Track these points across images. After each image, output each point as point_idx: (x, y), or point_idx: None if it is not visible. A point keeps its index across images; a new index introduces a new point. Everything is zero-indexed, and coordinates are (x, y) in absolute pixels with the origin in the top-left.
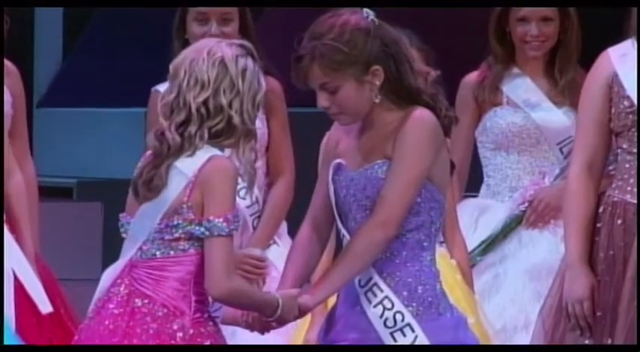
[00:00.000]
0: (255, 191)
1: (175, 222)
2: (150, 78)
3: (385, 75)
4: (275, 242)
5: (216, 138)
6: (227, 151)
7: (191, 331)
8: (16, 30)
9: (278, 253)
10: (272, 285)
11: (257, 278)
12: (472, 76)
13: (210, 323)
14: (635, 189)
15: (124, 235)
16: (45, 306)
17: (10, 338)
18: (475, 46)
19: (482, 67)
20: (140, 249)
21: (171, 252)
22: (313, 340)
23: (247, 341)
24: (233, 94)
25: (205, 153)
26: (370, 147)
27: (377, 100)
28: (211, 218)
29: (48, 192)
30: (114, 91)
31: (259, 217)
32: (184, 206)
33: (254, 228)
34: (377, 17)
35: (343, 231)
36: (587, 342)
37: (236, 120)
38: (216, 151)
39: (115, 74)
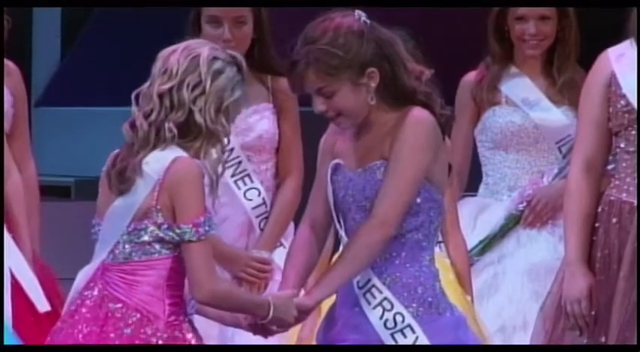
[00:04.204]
0: (263, 192)
1: (144, 226)
2: (148, 77)
3: (380, 76)
4: (282, 244)
5: (182, 138)
6: None
7: (165, 335)
8: (14, 29)
9: (284, 255)
10: (275, 289)
11: (260, 281)
12: (470, 76)
13: (186, 325)
14: (632, 188)
15: (94, 237)
16: (42, 305)
17: (10, 339)
18: (474, 46)
19: (480, 67)
20: (112, 252)
21: (143, 256)
22: (305, 338)
23: (243, 342)
24: (198, 92)
25: (170, 153)
26: (367, 147)
27: (373, 102)
28: (181, 225)
29: (46, 192)
30: (112, 90)
31: (266, 218)
32: (153, 209)
33: (261, 230)
34: (376, 17)
35: (341, 232)
36: (585, 341)
37: (197, 117)
38: (180, 152)
39: (113, 73)
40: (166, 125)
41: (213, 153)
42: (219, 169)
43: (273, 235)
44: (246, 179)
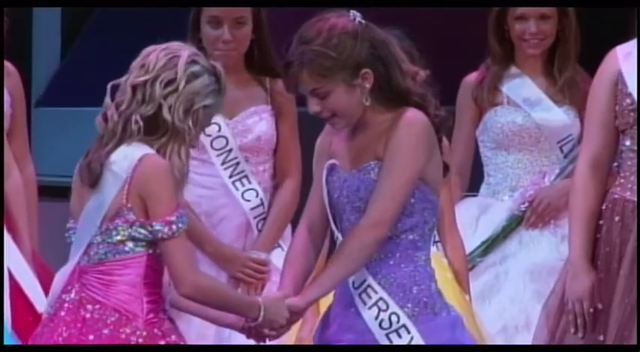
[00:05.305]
0: (261, 193)
1: (116, 225)
2: None
3: (375, 77)
4: (279, 245)
5: (149, 134)
6: None
7: (144, 333)
8: (14, 30)
9: (282, 257)
10: (273, 290)
11: (257, 282)
12: (471, 77)
13: (166, 322)
14: (636, 187)
15: (68, 240)
16: (42, 305)
17: (10, 339)
18: (474, 46)
19: (481, 68)
20: (86, 253)
21: (117, 256)
22: (306, 338)
23: (240, 342)
24: (171, 88)
25: (137, 150)
26: (362, 148)
27: (367, 103)
28: (153, 223)
29: (45, 192)
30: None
31: (264, 219)
32: (124, 208)
33: (259, 231)
34: (375, 18)
35: (337, 233)
36: (580, 339)
37: (165, 113)
38: (147, 149)
39: (114, 74)
40: (133, 117)
41: (176, 152)
42: (185, 170)
43: (270, 236)
44: (244, 180)
